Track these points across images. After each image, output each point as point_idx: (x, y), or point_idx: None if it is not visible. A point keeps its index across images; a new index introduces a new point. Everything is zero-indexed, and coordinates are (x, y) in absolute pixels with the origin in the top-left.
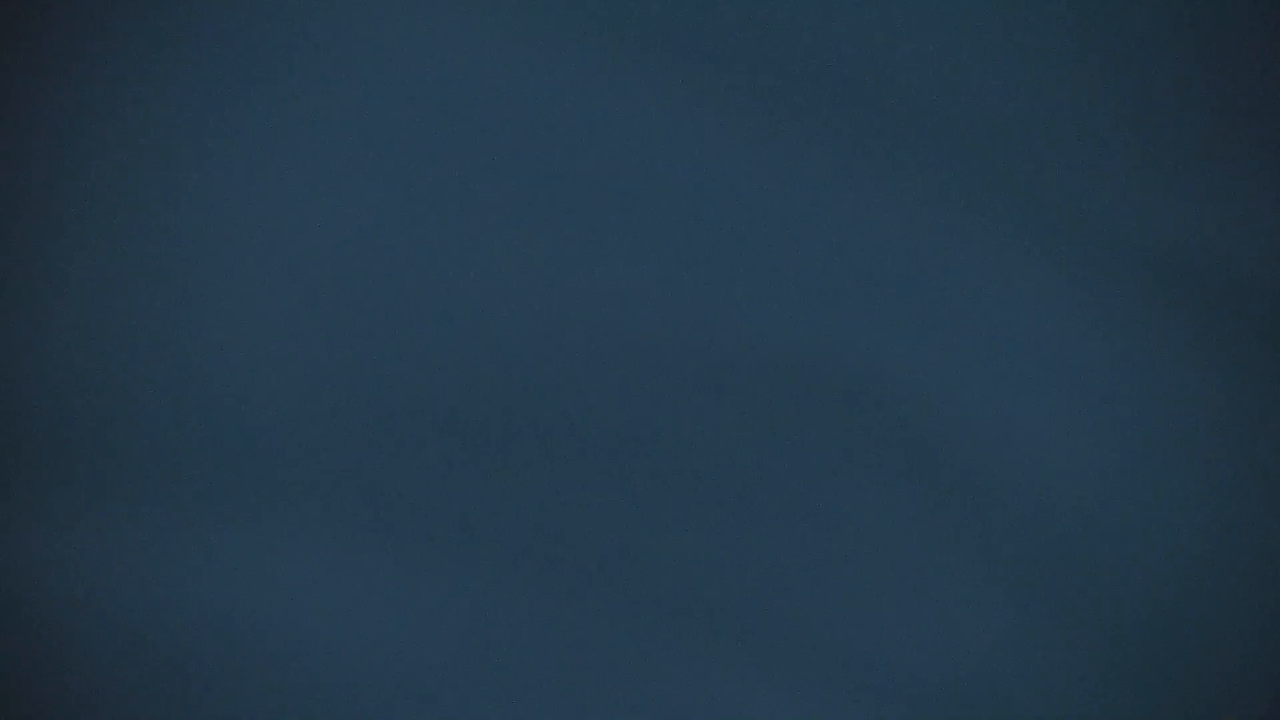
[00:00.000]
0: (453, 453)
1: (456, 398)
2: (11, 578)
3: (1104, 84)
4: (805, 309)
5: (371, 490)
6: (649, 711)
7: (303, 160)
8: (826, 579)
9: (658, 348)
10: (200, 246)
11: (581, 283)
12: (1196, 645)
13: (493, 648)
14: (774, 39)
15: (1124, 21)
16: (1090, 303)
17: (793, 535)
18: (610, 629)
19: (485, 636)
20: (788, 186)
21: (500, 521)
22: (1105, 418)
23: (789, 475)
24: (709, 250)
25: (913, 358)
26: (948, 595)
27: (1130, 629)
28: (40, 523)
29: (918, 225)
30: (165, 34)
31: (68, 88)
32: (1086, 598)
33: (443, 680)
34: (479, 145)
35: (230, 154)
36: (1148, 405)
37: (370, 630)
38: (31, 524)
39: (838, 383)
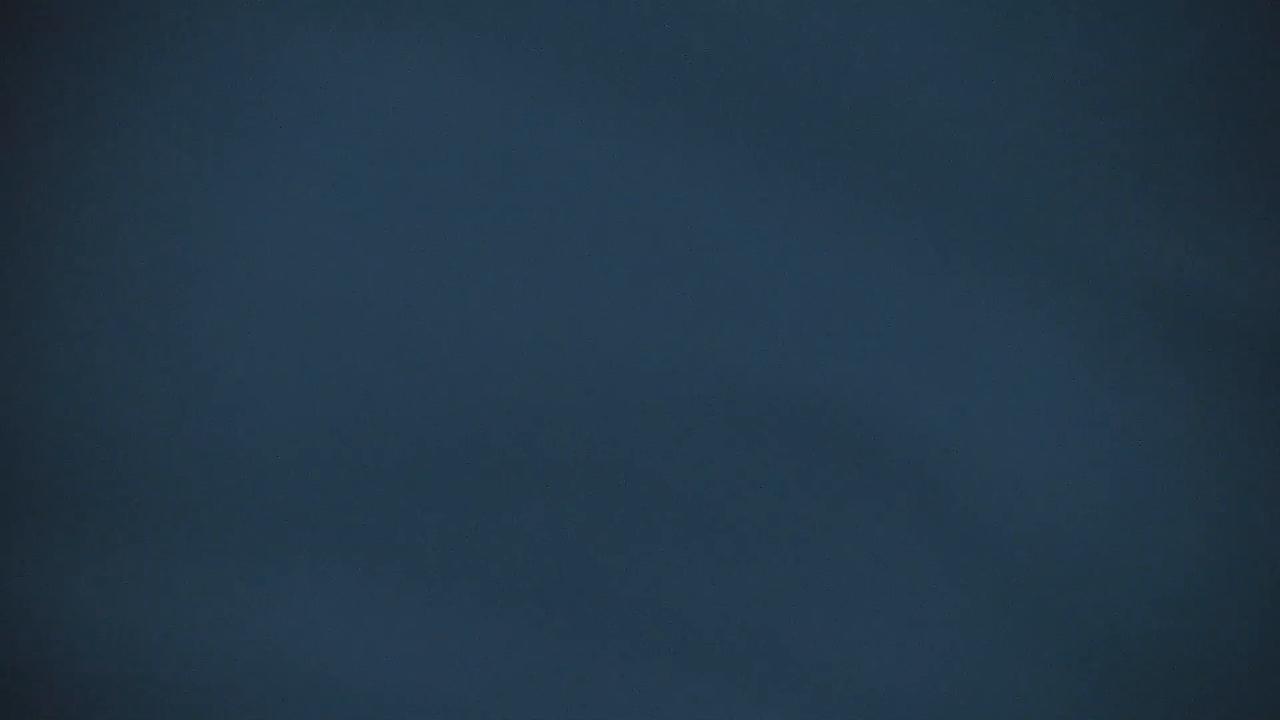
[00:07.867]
0: (454, 488)
1: (456, 434)
2: (12, 612)
3: (1099, 122)
4: (805, 347)
5: (374, 522)
6: None
7: (297, 197)
8: (827, 615)
9: (659, 387)
10: (196, 281)
11: (582, 321)
12: (1193, 680)
13: (494, 678)
14: (774, 80)
15: (1119, 59)
16: (1089, 341)
17: (795, 572)
18: (615, 664)
19: (486, 667)
20: (787, 226)
21: (504, 554)
22: (1104, 455)
23: (791, 513)
24: (711, 291)
25: (912, 395)
26: (950, 631)
27: (1131, 664)
28: (40, 557)
29: (916, 265)
30: (157, 53)
31: (52, 124)
32: (1088, 633)
33: (443, 710)
34: (477, 185)
35: (228, 187)
36: (1146, 443)
37: (371, 660)
38: (32, 557)
39: (837, 419)
